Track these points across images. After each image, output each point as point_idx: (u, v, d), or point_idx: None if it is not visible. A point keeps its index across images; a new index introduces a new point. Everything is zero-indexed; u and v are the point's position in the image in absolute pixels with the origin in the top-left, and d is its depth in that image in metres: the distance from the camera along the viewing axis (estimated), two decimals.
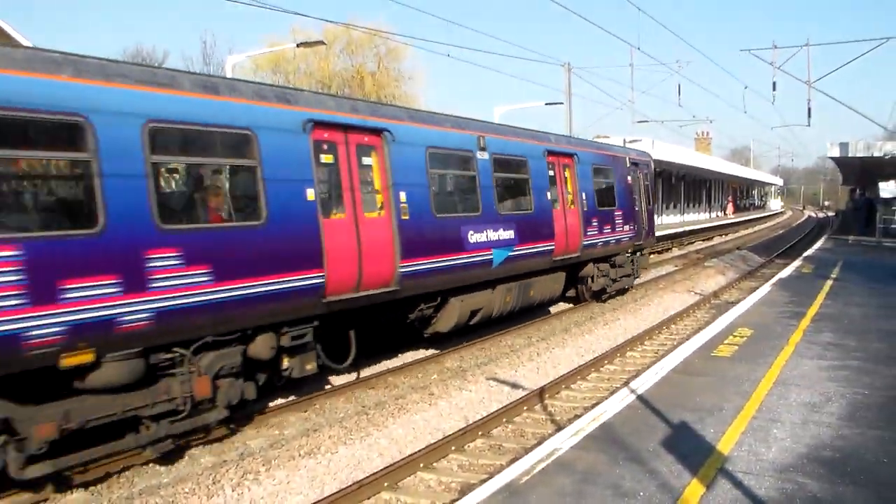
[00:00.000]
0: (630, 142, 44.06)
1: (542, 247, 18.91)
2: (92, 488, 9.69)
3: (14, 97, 8.30)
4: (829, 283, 24.79)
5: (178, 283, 9.84)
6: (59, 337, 8.58)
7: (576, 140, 24.92)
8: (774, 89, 38.63)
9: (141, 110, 9.62)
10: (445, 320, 16.35)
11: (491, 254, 16.59)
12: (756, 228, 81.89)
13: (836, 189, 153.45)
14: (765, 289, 23.94)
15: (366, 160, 13.44)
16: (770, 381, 11.89)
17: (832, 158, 54.53)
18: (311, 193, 11.88)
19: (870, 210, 58.94)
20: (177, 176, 10.89)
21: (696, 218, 78.00)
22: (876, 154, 44.31)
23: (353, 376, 15.11)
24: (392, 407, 12.98)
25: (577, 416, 11.57)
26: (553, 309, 23.29)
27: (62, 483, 9.57)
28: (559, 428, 11.35)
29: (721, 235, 63.88)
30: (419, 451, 10.95)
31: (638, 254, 26.68)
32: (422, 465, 10.53)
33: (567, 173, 20.99)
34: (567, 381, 15.07)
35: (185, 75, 11.11)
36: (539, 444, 10.08)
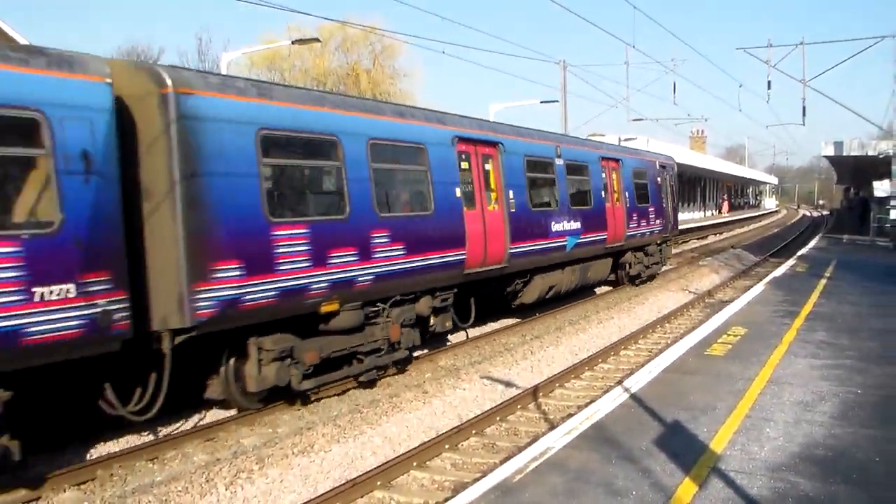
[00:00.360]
0: (625, 140, 44.16)
1: (598, 236, 23.12)
2: (84, 486, 9.67)
3: (307, 125, 12.28)
4: (823, 282, 24.85)
5: (387, 255, 13.63)
6: (324, 290, 12.18)
7: (621, 147, 30.68)
8: (769, 88, 38.56)
9: (365, 132, 13.52)
10: (530, 294, 20.23)
11: (565, 240, 20.76)
12: (750, 227, 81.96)
13: (830, 188, 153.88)
14: (759, 288, 23.99)
15: (486, 166, 17.27)
16: (763, 380, 11.91)
17: (827, 157, 54.72)
18: (457, 192, 15.85)
19: (864, 209, 59.02)
20: (384, 178, 14.21)
21: (691, 216, 78.10)
22: (870, 153, 44.44)
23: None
24: (386, 405, 12.97)
25: (571, 415, 11.57)
26: (547, 309, 23.29)
27: (56, 483, 9.56)
28: (553, 426, 11.35)
29: (715, 234, 63.92)
30: (413, 449, 10.95)
31: (664, 244, 30.94)
32: (415, 463, 10.53)
33: (615, 175, 25.03)
34: (561, 379, 15.08)
35: (386, 105, 16.60)
36: (532, 442, 10.09)
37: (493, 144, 17.56)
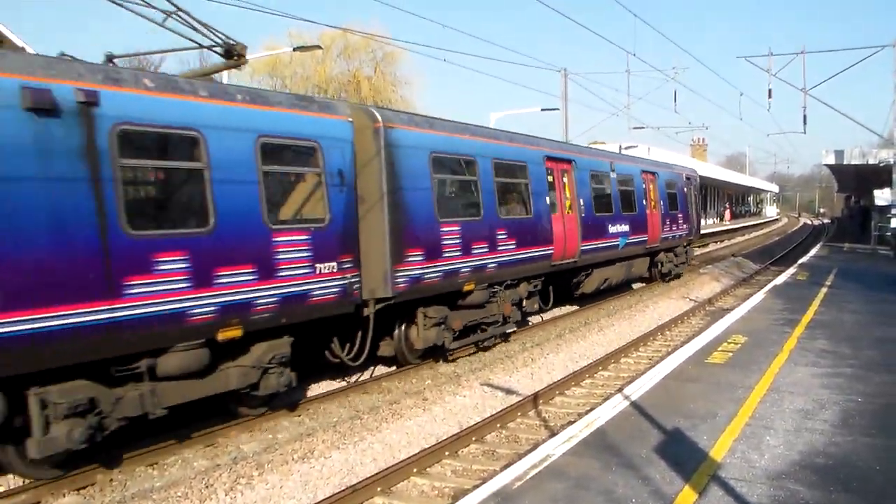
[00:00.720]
0: (626, 148, 44.24)
1: (641, 238, 27.09)
2: (84, 491, 9.68)
3: (457, 150, 16.51)
4: (824, 290, 24.84)
5: (506, 248, 17.60)
6: (467, 273, 16.15)
7: (657, 162, 33.53)
8: (770, 96, 38.62)
9: (491, 154, 17.56)
10: (590, 284, 24.11)
11: (618, 241, 24.80)
12: (751, 235, 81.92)
13: (831, 196, 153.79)
14: (759, 296, 23.98)
15: (564, 179, 21.23)
16: (764, 388, 11.91)
17: (827, 166, 54.67)
18: (547, 199, 19.86)
19: (865, 217, 59.04)
20: (502, 188, 17.93)
21: None
22: (871, 161, 44.44)
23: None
24: (386, 412, 12.98)
25: (571, 422, 11.57)
26: (548, 315, 23.26)
27: (56, 487, 9.57)
28: (553, 434, 11.34)
29: (716, 242, 63.88)
30: (413, 456, 10.95)
31: (689, 246, 34.76)
32: (415, 470, 10.53)
33: (652, 186, 28.86)
34: (561, 386, 15.08)
35: (502, 132, 19.56)
36: (532, 449, 10.08)
37: (569, 161, 21.64)
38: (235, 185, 10.90)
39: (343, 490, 9.63)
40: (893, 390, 11.77)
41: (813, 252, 45.29)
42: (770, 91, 38.27)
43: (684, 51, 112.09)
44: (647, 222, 27.60)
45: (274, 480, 10.00)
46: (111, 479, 10.00)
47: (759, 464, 8.57)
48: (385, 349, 15.73)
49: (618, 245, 24.70)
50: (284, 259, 11.61)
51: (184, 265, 10.01)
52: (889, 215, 43.09)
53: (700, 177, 39.04)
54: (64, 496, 9.50)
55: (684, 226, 32.76)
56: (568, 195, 21.27)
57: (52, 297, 8.59)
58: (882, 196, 46.50)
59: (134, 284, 9.41)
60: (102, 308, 9.11)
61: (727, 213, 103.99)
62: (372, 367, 16.18)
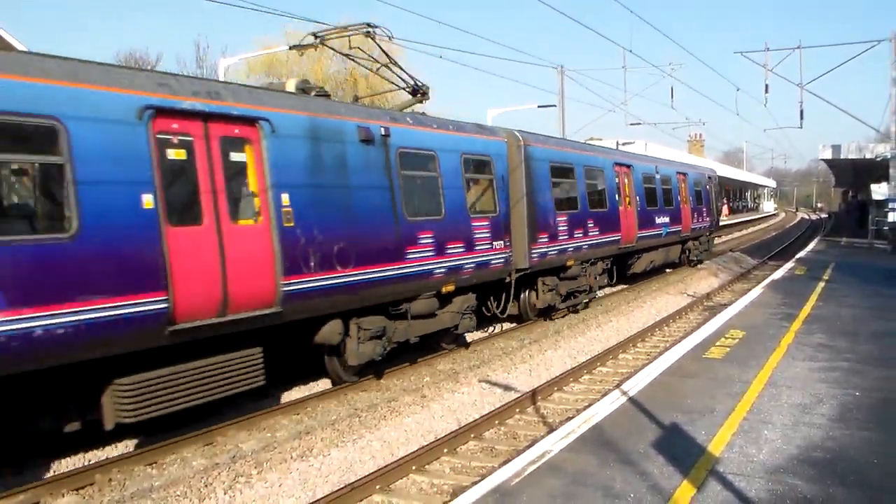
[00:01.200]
0: (623, 144, 44.23)
1: (677, 228, 32.47)
2: (83, 491, 9.68)
3: (564, 159, 21.78)
4: (821, 284, 24.86)
5: (594, 234, 22.70)
6: (570, 252, 21.08)
7: (687, 164, 39.70)
8: (767, 91, 38.55)
9: (583, 163, 22.89)
10: (640, 265, 29.32)
11: (661, 230, 30.04)
12: (749, 230, 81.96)
13: (828, 191, 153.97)
14: (757, 290, 24.00)
15: (625, 180, 26.45)
16: (761, 383, 11.92)
17: (824, 160, 54.71)
18: (616, 196, 25.07)
19: (862, 212, 59.07)
20: (590, 189, 23.10)
21: None
22: (868, 156, 44.41)
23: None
24: (384, 409, 12.99)
25: (569, 419, 11.56)
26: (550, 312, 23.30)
27: (54, 488, 9.57)
28: (551, 430, 11.34)
29: (715, 237, 63.98)
30: (411, 453, 10.96)
31: (710, 235, 40.50)
32: (414, 467, 10.54)
33: (684, 185, 34.22)
34: (559, 383, 15.09)
35: (588, 144, 26.07)
36: (531, 446, 10.09)
37: (628, 166, 26.95)
38: (453, 187, 16.09)
39: (342, 488, 9.64)
40: (891, 384, 11.78)
41: (810, 247, 45.32)
42: (767, 86, 38.21)
43: (681, 47, 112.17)
44: (680, 215, 33.06)
45: (273, 479, 10.01)
46: (110, 479, 10.00)
47: (757, 458, 8.59)
48: (511, 309, 19.92)
49: (661, 233, 30.17)
50: (478, 237, 16.76)
51: (430, 240, 15.06)
52: (886, 209, 43.07)
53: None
54: (63, 496, 9.49)
55: (707, 218, 38.46)
56: (628, 193, 26.42)
57: (378, 258, 13.59)
58: (879, 190, 46.52)
59: (409, 252, 14.42)
60: (396, 266, 14.06)
61: (725, 209, 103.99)
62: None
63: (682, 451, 8.86)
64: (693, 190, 35.60)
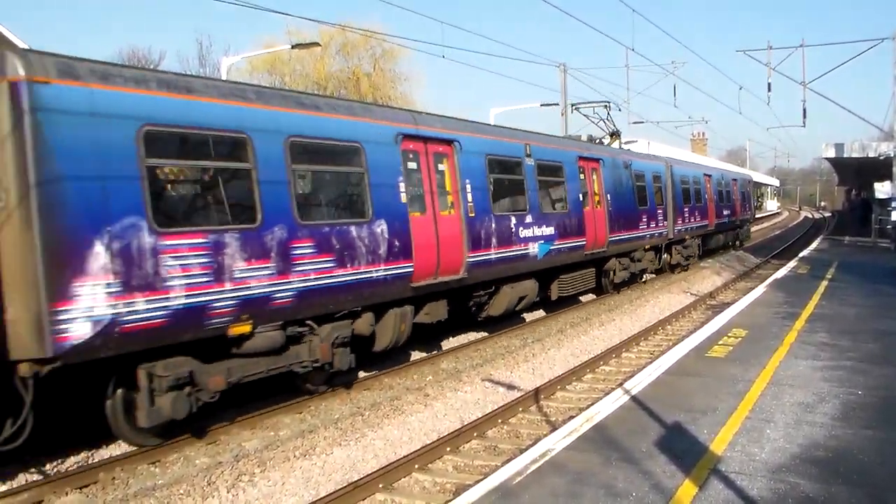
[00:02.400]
0: (626, 143, 44.14)
1: (734, 219, 45.81)
2: (86, 490, 9.70)
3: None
4: (825, 283, 24.85)
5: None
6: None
7: (737, 172, 57.03)
8: (769, 90, 38.43)
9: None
10: (716, 241, 41.01)
11: (726, 220, 42.39)
12: (753, 229, 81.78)
13: (832, 190, 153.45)
14: (760, 289, 23.99)
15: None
16: (764, 382, 11.92)
17: (828, 159, 54.66)
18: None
19: (865, 211, 58.96)
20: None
21: None
22: (871, 155, 44.36)
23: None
24: (387, 408, 13.01)
25: (572, 417, 11.55)
26: (552, 308, 23.30)
27: (58, 486, 9.60)
28: (554, 428, 11.35)
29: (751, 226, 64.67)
30: (414, 452, 10.96)
31: (748, 224, 53.92)
32: (417, 466, 10.54)
33: (736, 187, 47.27)
34: (562, 381, 15.09)
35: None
36: (533, 444, 10.09)
37: (708, 176, 38.39)
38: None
39: (345, 486, 9.65)
40: (894, 383, 11.78)
41: (814, 245, 45.30)
42: (769, 85, 38.09)
43: (683, 45, 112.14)
44: (735, 208, 46.33)
45: (276, 477, 10.03)
46: (113, 478, 10.02)
47: (760, 457, 8.59)
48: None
49: (726, 221, 43.24)
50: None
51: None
52: (889, 208, 43.00)
53: None
54: (67, 494, 9.52)
55: (748, 213, 53.28)
56: (711, 195, 38.19)
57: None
58: (882, 189, 46.42)
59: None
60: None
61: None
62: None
63: (684, 449, 8.87)
64: (741, 192, 49.74)
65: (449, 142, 16.06)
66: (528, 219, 18.75)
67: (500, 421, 12.67)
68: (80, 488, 9.72)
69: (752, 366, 13.04)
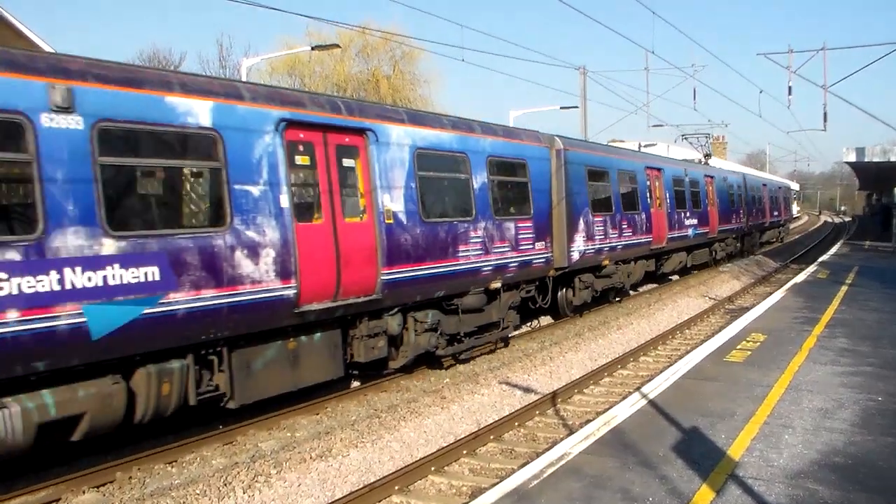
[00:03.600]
0: (645, 146, 44.17)
1: (782, 218, 61.32)
2: (103, 489, 9.74)
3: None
4: (844, 288, 24.68)
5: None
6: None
7: (780, 182, 69.83)
8: (790, 93, 38.15)
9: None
10: (766, 236, 55.35)
11: (771, 219, 54.54)
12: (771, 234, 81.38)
13: (852, 194, 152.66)
14: (779, 294, 23.85)
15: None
16: (782, 387, 11.85)
17: (848, 163, 54.25)
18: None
19: (886, 215, 58.56)
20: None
21: None
22: (892, 159, 44.05)
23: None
24: (404, 410, 13.00)
25: (589, 421, 11.53)
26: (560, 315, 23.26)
27: (75, 485, 9.64)
28: (571, 432, 11.31)
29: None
30: (430, 454, 10.95)
31: (787, 224, 66.67)
32: (433, 468, 10.54)
33: (781, 195, 60.52)
34: (580, 385, 15.05)
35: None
36: (550, 448, 10.06)
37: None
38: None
39: (361, 488, 9.66)
40: None
41: (833, 250, 45.03)
42: (790, 88, 37.79)
43: (703, 48, 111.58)
44: (781, 209, 58.99)
45: (292, 478, 10.04)
46: (130, 477, 10.06)
47: (778, 463, 8.53)
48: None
49: (768, 221, 52.52)
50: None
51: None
52: None
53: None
54: (84, 493, 9.56)
55: (787, 213, 66.50)
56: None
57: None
58: None
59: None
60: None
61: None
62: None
63: (701, 454, 8.82)
64: (783, 196, 62.43)
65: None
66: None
67: (516, 424, 12.65)
68: (97, 487, 9.76)
69: (771, 371, 12.96)
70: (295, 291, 11.35)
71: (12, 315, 8.07)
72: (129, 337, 9.24)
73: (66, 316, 8.53)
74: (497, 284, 16.55)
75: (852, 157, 47.48)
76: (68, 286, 8.56)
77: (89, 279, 8.77)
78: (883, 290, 24.13)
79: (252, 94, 11.32)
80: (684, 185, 31.19)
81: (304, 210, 11.99)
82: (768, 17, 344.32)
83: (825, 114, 38.45)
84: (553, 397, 13.88)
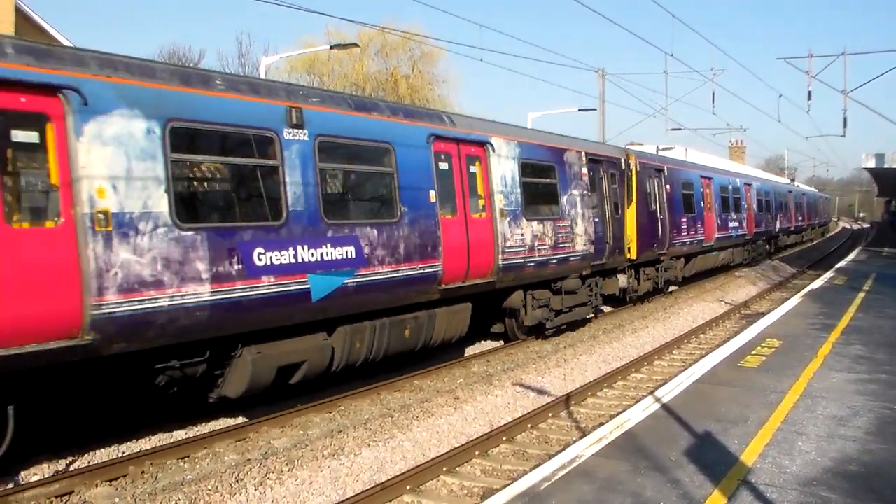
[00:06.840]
0: (663, 149, 44.02)
1: (818, 221, 80.00)
2: (116, 483, 9.78)
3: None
4: (862, 295, 24.54)
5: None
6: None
7: (817, 192, 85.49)
8: (810, 98, 38.14)
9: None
10: (787, 239, 58.28)
11: (801, 223, 62.18)
12: (788, 240, 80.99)
13: (871, 200, 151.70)
14: (795, 300, 23.75)
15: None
16: (797, 394, 11.79)
17: (867, 169, 54.06)
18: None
19: None
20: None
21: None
22: None
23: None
24: (417, 410, 13.01)
25: (602, 424, 11.50)
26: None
27: (88, 478, 9.69)
28: (583, 435, 11.29)
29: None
30: (443, 454, 10.96)
31: (826, 225, 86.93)
32: (445, 468, 10.53)
33: (821, 201, 80.00)
34: (593, 388, 15.03)
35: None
36: (562, 450, 10.05)
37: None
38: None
39: (372, 487, 9.67)
40: None
41: (851, 256, 44.79)
42: (809, 93, 37.74)
43: (723, 52, 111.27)
44: (817, 213, 67.03)
45: (304, 476, 10.06)
46: (142, 471, 10.10)
47: (791, 469, 8.49)
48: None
49: (799, 225, 56.56)
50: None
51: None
52: None
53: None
54: (97, 486, 9.60)
55: (824, 217, 76.08)
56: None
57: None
58: None
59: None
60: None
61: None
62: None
63: (714, 459, 8.78)
64: (818, 203, 70.44)
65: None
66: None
67: (529, 425, 12.63)
68: (110, 481, 9.80)
69: (786, 377, 12.90)
70: (440, 270, 14.24)
71: (266, 279, 10.80)
72: (335, 301, 12.01)
73: (296, 283, 11.23)
74: (587, 271, 19.86)
75: (872, 164, 47.25)
76: (300, 260, 11.30)
77: (312, 255, 11.54)
78: None
79: (412, 114, 14.71)
80: (728, 191, 36.11)
81: (445, 206, 14.68)
82: (788, 22, 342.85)
83: (845, 119, 38.50)
84: (566, 399, 13.85)
